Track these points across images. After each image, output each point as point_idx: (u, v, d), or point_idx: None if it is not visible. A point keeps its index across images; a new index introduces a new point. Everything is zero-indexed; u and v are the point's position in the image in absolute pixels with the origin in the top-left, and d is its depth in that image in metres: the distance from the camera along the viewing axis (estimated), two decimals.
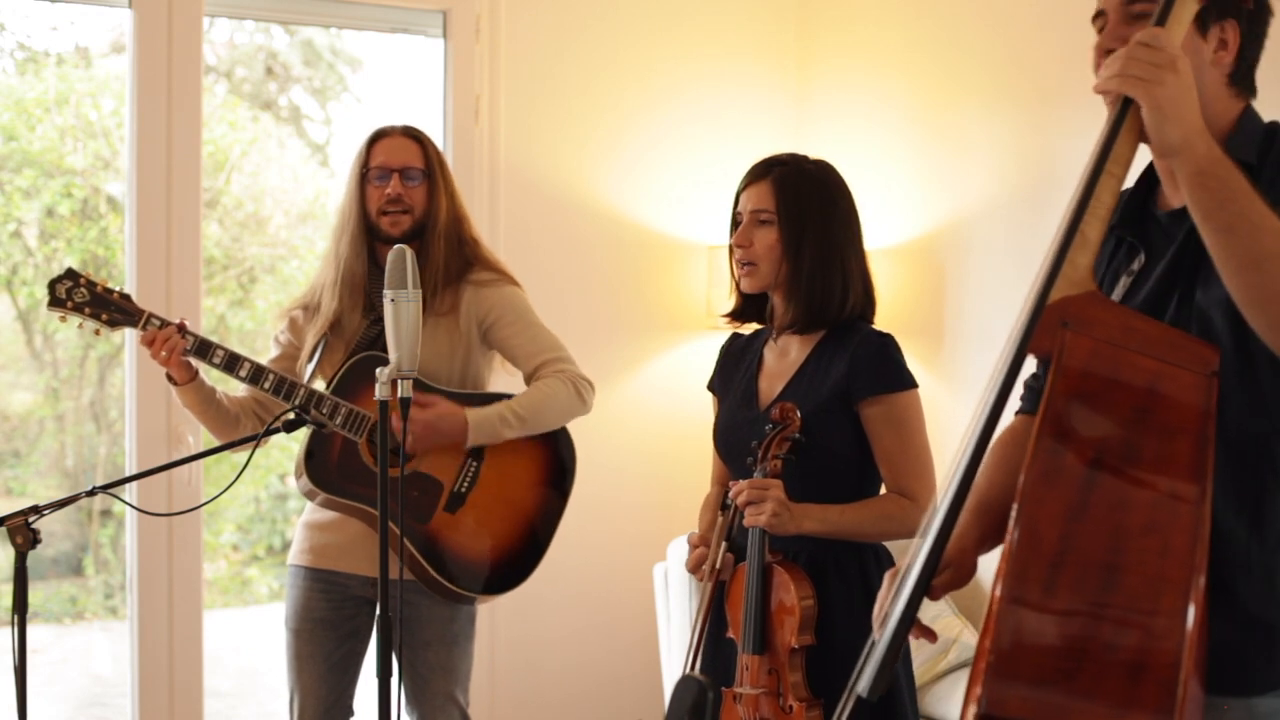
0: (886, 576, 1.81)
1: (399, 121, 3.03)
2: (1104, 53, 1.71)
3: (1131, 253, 1.77)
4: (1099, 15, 1.75)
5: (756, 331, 2.73)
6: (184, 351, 2.83)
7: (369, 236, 2.95)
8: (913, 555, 1.65)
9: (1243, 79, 1.70)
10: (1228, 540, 1.60)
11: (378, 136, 2.98)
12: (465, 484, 2.92)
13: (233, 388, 3.08)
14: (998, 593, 1.39)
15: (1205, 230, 1.53)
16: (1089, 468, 1.44)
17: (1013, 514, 1.40)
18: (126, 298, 2.87)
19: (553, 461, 3.02)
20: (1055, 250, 1.56)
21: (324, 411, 2.84)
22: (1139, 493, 1.43)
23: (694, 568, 2.56)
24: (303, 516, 3.06)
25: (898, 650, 1.59)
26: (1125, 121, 1.59)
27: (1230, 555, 1.60)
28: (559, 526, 3.04)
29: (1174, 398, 1.48)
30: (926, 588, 1.60)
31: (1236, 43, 1.69)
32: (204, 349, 2.84)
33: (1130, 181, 1.80)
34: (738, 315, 2.69)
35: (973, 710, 1.37)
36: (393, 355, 2.19)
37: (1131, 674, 1.34)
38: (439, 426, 2.84)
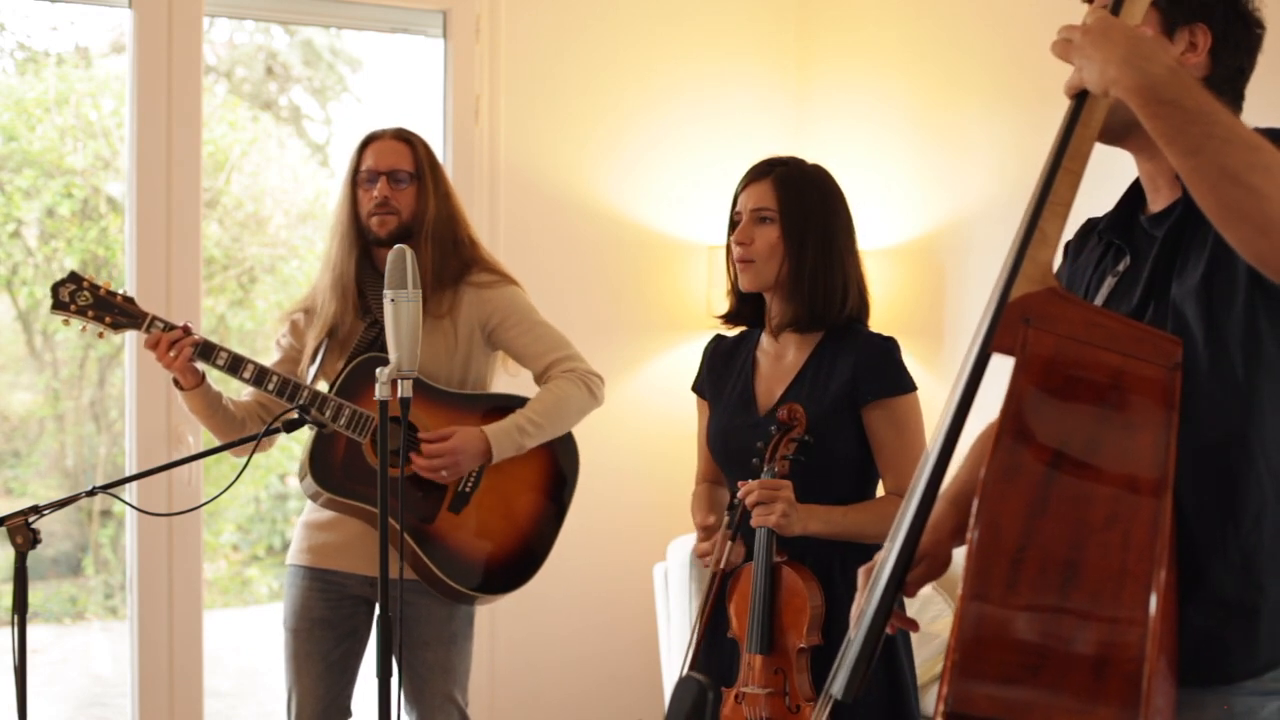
0: (861, 574, 1.80)
1: (396, 122, 3.04)
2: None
3: (1118, 255, 1.79)
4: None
5: (743, 334, 2.72)
6: (190, 356, 2.83)
7: (361, 239, 2.96)
8: (885, 552, 1.65)
9: (1221, 87, 1.68)
10: (1202, 527, 1.60)
11: (369, 140, 2.99)
12: (470, 484, 2.93)
13: (234, 390, 3.08)
14: (960, 591, 1.39)
15: (1174, 160, 1.50)
16: (1050, 463, 1.44)
17: (973, 511, 1.40)
18: (130, 300, 2.87)
19: (556, 462, 3.02)
20: (1015, 248, 1.57)
21: (327, 413, 2.84)
22: (1100, 487, 1.43)
23: (704, 553, 2.54)
24: (302, 516, 3.07)
25: (873, 650, 1.59)
26: (1080, 117, 1.60)
27: (1205, 542, 1.60)
28: (561, 527, 3.05)
29: (1136, 392, 1.49)
30: (901, 584, 1.60)
31: (1207, 46, 1.69)
32: (207, 351, 2.84)
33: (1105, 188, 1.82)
34: (733, 317, 2.69)
35: (940, 709, 1.37)
36: (393, 355, 2.19)
37: (1096, 668, 1.34)
38: (464, 449, 2.85)
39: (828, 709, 1.69)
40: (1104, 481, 1.43)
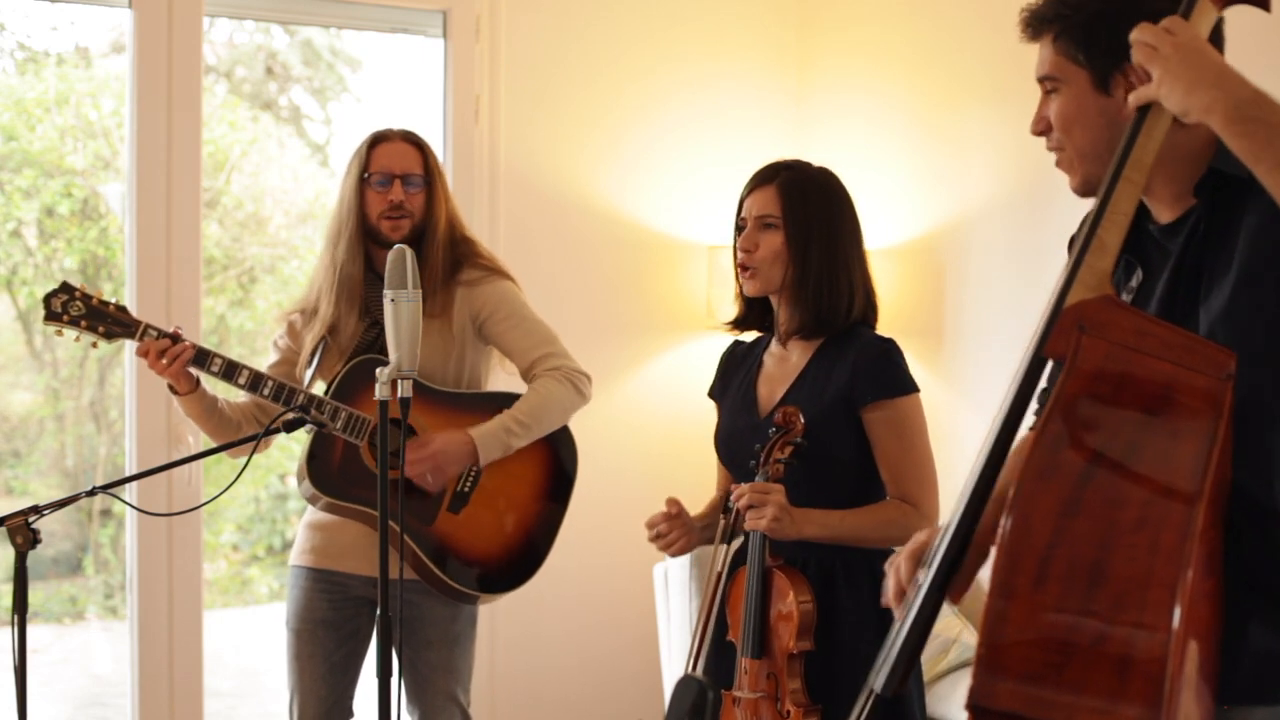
0: (905, 555, 1.77)
1: (399, 122, 3.03)
2: (1036, 134, 1.78)
3: (1129, 269, 1.78)
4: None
5: (758, 338, 2.72)
6: (185, 363, 2.82)
7: (366, 241, 2.95)
8: (931, 554, 1.64)
9: None
10: None
11: (377, 140, 2.96)
12: (468, 484, 2.92)
13: (233, 393, 3.08)
14: (988, 586, 1.40)
15: (1259, 174, 1.51)
16: (1087, 466, 1.45)
17: (1006, 508, 1.42)
18: (123, 309, 2.84)
19: (555, 460, 3.02)
20: (1074, 256, 1.57)
21: (325, 414, 2.84)
22: (1134, 491, 1.43)
23: (651, 524, 2.60)
24: (305, 517, 3.06)
25: (917, 646, 1.59)
26: (1143, 128, 1.59)
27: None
28: (561, 525, 3.05)
29: (1185, 401, 1.48)
30: (945, 585, 1.60)
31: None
32: (201, 358, 2.82)
33: None
34: (740, 323, 2.69)
35: (966, 702, 1.39)
36: (393, 355, 2.19)
37: (1119, 668, 1.35)
38: (448, 453, 2.84)
39: (868, 703, 1.68)
40: (1139, 486, 1.43)
